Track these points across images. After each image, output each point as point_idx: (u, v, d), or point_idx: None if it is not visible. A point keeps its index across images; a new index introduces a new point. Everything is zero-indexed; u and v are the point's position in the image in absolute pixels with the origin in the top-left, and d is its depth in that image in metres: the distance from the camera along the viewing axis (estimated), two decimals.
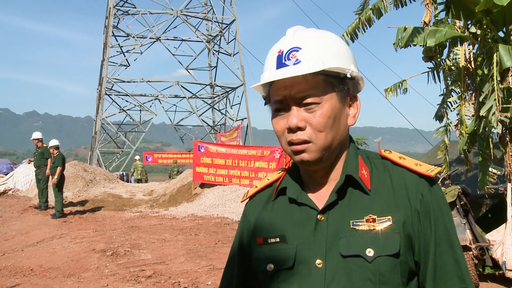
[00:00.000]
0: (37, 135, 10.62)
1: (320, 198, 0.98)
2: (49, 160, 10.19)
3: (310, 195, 1.00)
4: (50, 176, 10.09)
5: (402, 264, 0.90)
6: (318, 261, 0.92)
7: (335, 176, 0.99)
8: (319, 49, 0.93)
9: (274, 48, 0.98)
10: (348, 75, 0.95)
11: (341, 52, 0.97)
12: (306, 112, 0.92)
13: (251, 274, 1.05)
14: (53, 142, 10.17)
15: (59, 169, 9.74)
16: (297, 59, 0.92)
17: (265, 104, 1.04)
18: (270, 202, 1.06)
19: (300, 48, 0.93)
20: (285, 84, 0.92)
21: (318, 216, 0.95)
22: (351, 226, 0.92)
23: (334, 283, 0.90)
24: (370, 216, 0.92)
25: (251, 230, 1.07)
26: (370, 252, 0.89)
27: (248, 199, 1.14)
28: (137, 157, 22.04)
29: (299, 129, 0.92)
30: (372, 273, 0.88)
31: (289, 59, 0.93)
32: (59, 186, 9.81)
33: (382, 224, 0.91)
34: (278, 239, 0.99)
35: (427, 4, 5.89)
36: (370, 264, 0.89)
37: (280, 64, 0.94)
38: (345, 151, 1.00)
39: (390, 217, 0.91)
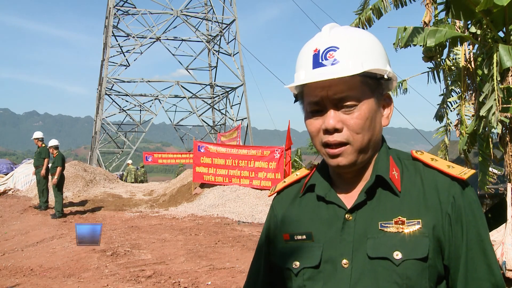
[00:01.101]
0: (37, 134, 10.62)
1: (348, 197, 0.97)
2: (45, 161, 10.17)
3: (338, 193, 0.98)
4: (50, 176, 10.07)
5: (430, 268, 0.88)
6: (344, 261, 0.91)
7: (366, 176, 0.97)
8: (357, 50, 0.91)
9: (309, 45, 0.95)
10: (385, 76, 0.94)
11: (378, 52, 0.95)
12: (343, 114, 0.91)
13: (276, 269, 1.05)
14: (53, 142, 10.12)
15: (59, 169, 9.73)
16: (335, 59, 0.90)
17: (295, 102, 1.02)
18: (298, 198, 1.05)
19: (337, 48, 0.91)
20: (323, 85, 0.90)
21: (346, 215, 0.94)
22: (379, 228, 0.91)
23: (360, 284, 0.89)
24: (399, 218, 0.90)
25: (278, 225, 1.06)
26: (397, 255, 0.87)
27: (275, 194, 1.13)
28: (129, 161, 22.12)
29: (336, 130, 0.91)
30: (399, 277, 0.87)
31: (326, 59, 0.91)
32: (59, 186, 9.80)
33: (411, 227, 0.89)
34: (304, 237, 0.98)
35: (427, 4, 5.89)
36: (397, 267, 0.87)
37: (317, 63, 0.91)
38: (376, 152, 0.99)
39: (419, 220, 0.90)
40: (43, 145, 10.41)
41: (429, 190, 0.93)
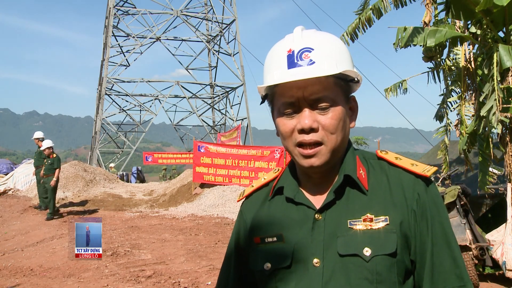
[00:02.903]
0: (38, 134, 10.58)
1: (317, 197, 0.98)
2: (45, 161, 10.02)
3: (307, 194, 1.00)
4: (45, 177, 9.70)
5: (398, 264, 0.90)
6: (315, 260, 0.92)
7: (333, 176, 0.99)
8: (331, 51, 0.93)
9: (281, 46, 0.96)
10: (355, 79, 0.96)
11: (348, 55, 0.97)
12: (318, 114, 0.92)
13: (248, 273, 1.06)
14: (48, 143, 9.65)
15: (58, 171, 9.63)
16: (310, 60, 0.91)
17: (261, 103, 1.03)
18: (267, 202, 1.06)
19: (312, 49, 0.92)
20: (298, 85, 0.91)
21: (316, 215, 0.95)
22: (349, 226, 0.92)
23: (332, 282, 0.90)
24: (367, 216, 0.92)
25: (248, 229, 1.07)
26: (367, 252, 0.89)
27: (244, 199, 1.14)
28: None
29: (312, 130, 0.92)
30: (369, 272, 0.89)
31: (302, 59, 0.91)
32: (55, 187, 9.66)
33: (379, 224, 0.91)
34: (275, 239, 0.99)
35: (427, 4, 5.89)
36: (367, 263, 0.89)
37: (293, 64, 0.92)
38: (344, 152, 1.01)
39: (387, 217, 0.92)
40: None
41: (394, 187, 0.95)
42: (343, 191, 0.96)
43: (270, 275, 0.98)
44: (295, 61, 0.92)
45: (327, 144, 0.92)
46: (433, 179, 1.01)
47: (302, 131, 0.92)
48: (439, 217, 0.94)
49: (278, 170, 1.11)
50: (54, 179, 9.55)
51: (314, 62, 0.91)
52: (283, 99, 0.94)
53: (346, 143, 0.98)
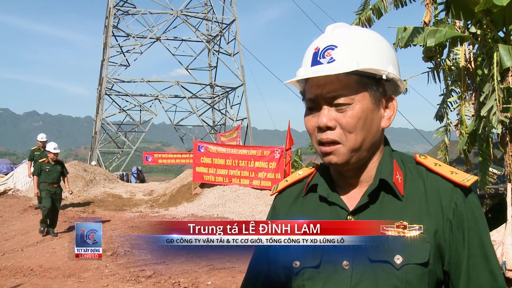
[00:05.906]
0: (42, 136, 10.39)
1: (350, 199, 0.97)
2: (66, 179, 8.69)
3: (340, 194, 0.99)
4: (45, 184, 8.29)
5: (430, 273, 0.88)
6: (345, 262, 0.91)
7: (367, 178, 0.97)
8: (355, 49, 0.91)
9: (313, 44, 0.97)
10: (384, 77, 0.93)
11: (380, 52, 0.94)
12: (336, 112, 0.91)
13: (276, 269, 1.05)
14: (54, 148, 8.39)
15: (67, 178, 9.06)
16: (331, 58, 0.91)
17: (302, 100, 1.03)
18: (300, 198, 1.05)
19: (336, 47, 0.91)
20: (318, 83, 0.92)
21: (348, 217, 0.94)
22: (381, 231, 0.90)
23: (360, 286, 0.89)
24: (401, 223, 0.90)
25: None
26: (398, 259, 0.88)
27: (277, 193, 1.13)
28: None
29: (329, 128, 0.91)
30: (399, 280, 0.87)
31: (323, 57, 0.92)
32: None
33: (413, 232, 0.89)
34: None
35: (427, 4, 5.89)
36: (397, 271, 0.87)
37: (315, 61, 0.93)
38: (377, 153, 0.98)
39: (421, 225, 0.90)
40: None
41: (431, 195, 0.93)
42: (378, 195, 0.94)
43: (298, 273, 0.97)
44: (318, 58, 0.93)
45: (344, 144, 0.91)
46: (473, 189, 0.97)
47: (320, 129, 0.92)
48: (477, 228, 0.90)
49: (314, 166, 1.10)
50: (67, 186, 8.58)
51: (334, 60, 0.90)
52: (307, 96, 0.96)
53: (373, 143, 0.96)
